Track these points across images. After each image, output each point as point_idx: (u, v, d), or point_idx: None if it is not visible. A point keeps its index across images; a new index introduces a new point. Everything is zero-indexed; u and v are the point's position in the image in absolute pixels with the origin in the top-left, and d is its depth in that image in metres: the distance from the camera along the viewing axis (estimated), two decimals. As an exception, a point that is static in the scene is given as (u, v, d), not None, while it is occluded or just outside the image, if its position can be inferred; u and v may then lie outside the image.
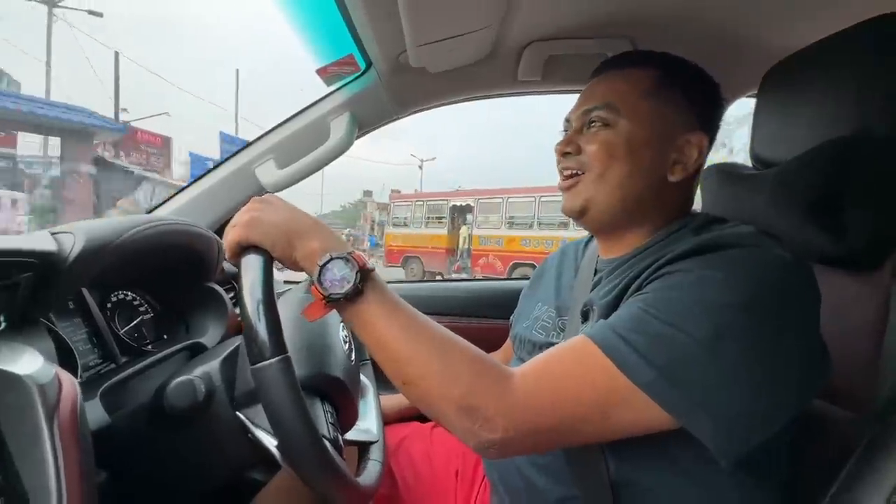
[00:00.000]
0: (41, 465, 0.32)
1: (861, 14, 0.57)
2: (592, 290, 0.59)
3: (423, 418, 0.88)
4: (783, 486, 0.52)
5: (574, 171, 0.59)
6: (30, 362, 0.34)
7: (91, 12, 11.60)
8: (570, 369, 0.45)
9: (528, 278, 0.87)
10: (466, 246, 10.57)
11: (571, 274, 0.70)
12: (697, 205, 1.01)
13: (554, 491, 0.56)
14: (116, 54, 12.33)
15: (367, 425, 0.63)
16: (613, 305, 0.51)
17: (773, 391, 0.43)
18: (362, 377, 0.72)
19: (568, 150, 0.59)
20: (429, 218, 11.58)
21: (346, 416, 0.59)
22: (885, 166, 0.54)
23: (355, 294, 0.44)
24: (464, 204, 11.09)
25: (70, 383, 0.36)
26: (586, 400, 0.43)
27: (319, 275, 0.44)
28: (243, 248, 0.46)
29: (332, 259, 0.44)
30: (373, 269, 0.46)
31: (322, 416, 0.52)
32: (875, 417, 0.50)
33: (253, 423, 0.49)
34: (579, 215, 0.60)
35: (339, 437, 0.53)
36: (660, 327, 0.43)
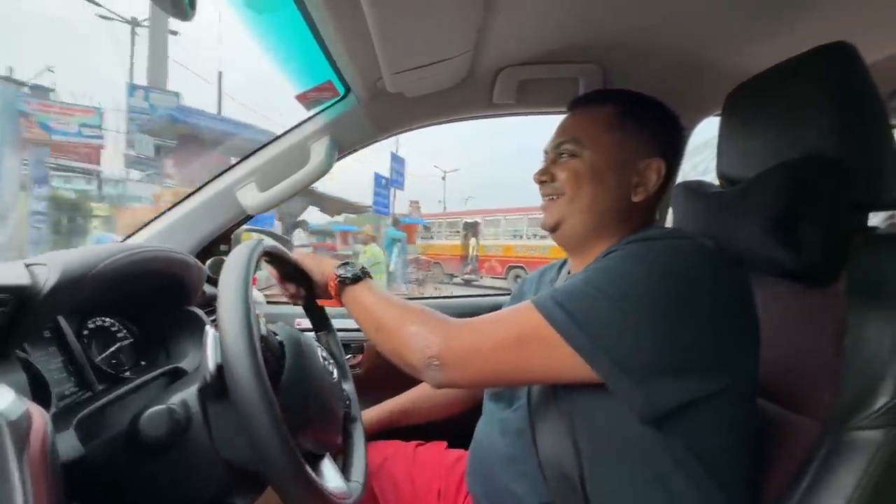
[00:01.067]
0: (8, 502, 0.32)
1: (815, 38, 0.60)
2: None
3: (404, 436, 0.88)
4: (745, 490, 0.54)
5: (551, 196, 0.69)
6: (1, 398, 0.34)
7: (172, 32, 11.85)
8: (501, 313, 0.58)
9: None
10: (475, 253, 13.28)
11: (545, 290, 0.74)
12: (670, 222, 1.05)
13: (532, 497, 0.60)
14: (220, 74, 13.24)
15: (350, 470, 0.63)
16: None
17: (671, 345, 0.49)
18: (351, 432, 0.70)
19: (544, 178, 0.69)
20: (448, 231, 14.88)
21: (295, 389, 0.54)
22: (834, 186, 0.57)
23: (355, 280, 0.67)
24: (473, 220, 14.00)
25: (40, 418, 0.36)
26: (506, 331, 0.54)
27: (337, 268, 0.69)
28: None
29: (346, 263, 0.70)
30: (370, 275, 0.69)
31: (269, 350, 0.54)
32: (836, 425, 0.52)
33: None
34: (553, 230, 0.69)
35: (279, 379, 0.52)
36: (581, 286, 0.53)
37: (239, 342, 0.43)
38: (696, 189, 0.78)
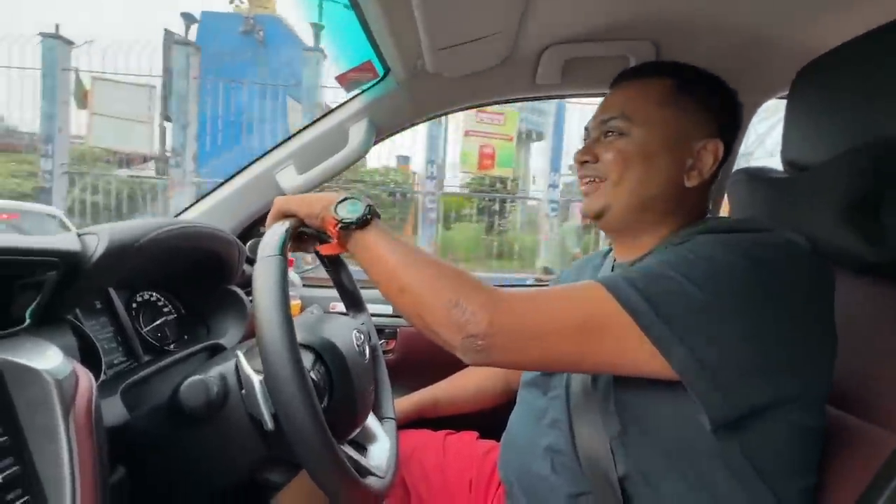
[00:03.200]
0: (56, 457, 0.32)
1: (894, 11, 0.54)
2: None
3: (435, 426, 0.87)
4: (800, 496, 0.50)
5: (592, 178, 0.62)
6: (49, 358, 0.35)
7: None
8: (564, 290, 0.50)
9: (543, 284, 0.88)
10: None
11: (585, 276, 0.72)
12: (724, 210, 0.98)
13: (567, 487, 0.57)
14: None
15: (376, 463, 0.62)
16: None
17: (754, 341, 0.44)
18: (381, 432, 0.68)
19: (586, 158, 0.62)
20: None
21: (340, 399, 0.55)
22: None
23: (363, 223, 0.52)
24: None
25: (87, 379, 0.37)
26: (571, 314, 0.47)
27: (336, 207, 0.53)
28: (277, 218, 0.56)
29: (347, 198, 0.53)
30: (378, 214, 0.54)
31: (310, 361, 0.52)
32: None
33: (251, 366, 0.49)
34: (596, 217, 0.63)
35: (325, 395, 0.52)
36: (657, 269, 0.47)
37: (295, 401, 0.41)
38: (758, 175, 0.72)
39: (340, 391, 0.54)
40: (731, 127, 0.62)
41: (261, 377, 0.46)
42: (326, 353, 0.54)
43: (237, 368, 0.54)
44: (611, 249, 0.73)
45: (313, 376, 0.49)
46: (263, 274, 0.44)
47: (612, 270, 0.66)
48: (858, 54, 0.60)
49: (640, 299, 0.45)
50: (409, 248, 0.52)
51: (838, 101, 0.62)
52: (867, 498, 0.47)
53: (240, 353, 0.50)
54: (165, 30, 7.12)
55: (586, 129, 0.66)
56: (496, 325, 0.46)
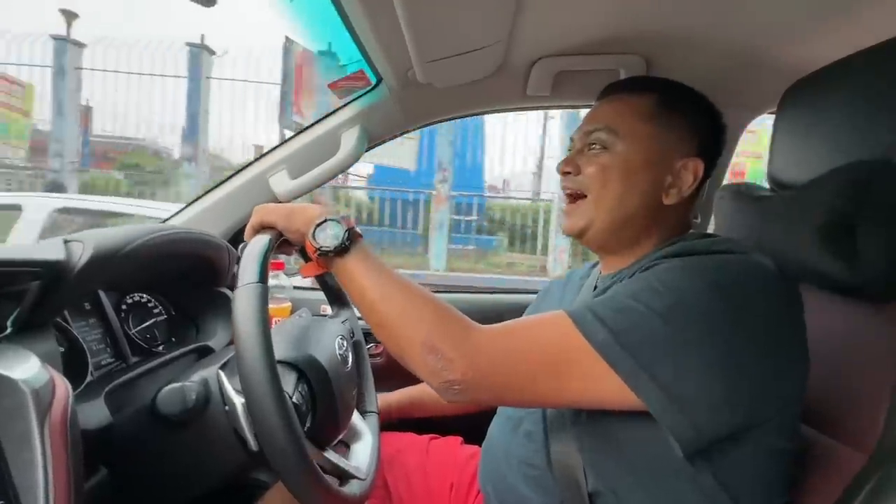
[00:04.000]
0: (31, 465, 0.34)
1: (887, 31, 0.55)
2: None
3: (419, 429, 0.88)
4: None
5: (574, 192, 0.62)
6: (27, 367, 0.36)
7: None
8: (534, 327, 0.50)
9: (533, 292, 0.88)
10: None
11: (575, 292, 0.72)
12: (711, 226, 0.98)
13: (539, 499, 0.58)
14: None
15: (357, 463, 0.62)
16: None
17: (722, 373, 0.44)
18: (364, 427, 0.70)
19: (568, 170, 0.62)
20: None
21: (324, 413, 0.57)
22: None
23: (342, 250, 0.51)
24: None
25: (63, 388, 0.38)
26: (542, 355, 0.47)
27: (314, 232, 0.51)
28: (257, 231, 0.54)
29: (326, 220, 0.52)
30: (360, 235, 0.53)
31: (292, 383, 0.52)
32: (885, 457, 0.47)
33: (232, 387, 0.50)
34: (578, 236, 0.63)
35: (307, 416, 0.53)
36: (623, 300, 0.47)
37: (275, 431, 0.42)
38: (743, 192, 0.73)
39: (324, 406, 0.56)
40: (712, 146, 0.63)
41: (243, 399, 0.46)
42: (309, 371, 0.55)
43: (219, 384, 0.55)
44: (597, 263, 0.74)
45: (295, 400, 0.50)
46: (243, 302, 0.44)
47: (597, 285, 0.67)
48: (845, 74, 0.60)
49: (606, 334, 0.45)
50: (388, 279, 0.51)
51: (823, 121, 0.62)
52: None
53: (221, 373, 0.51)
54: (286, 37, 7.30)
55: (571, 138, 0.66)
56: (471, 371, 0.46)
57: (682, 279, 0.47)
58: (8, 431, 0.34)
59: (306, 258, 0.61)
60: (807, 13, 0.69)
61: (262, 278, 0.46)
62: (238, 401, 0.48)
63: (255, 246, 0.50)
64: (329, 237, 0.51)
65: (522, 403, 0.57)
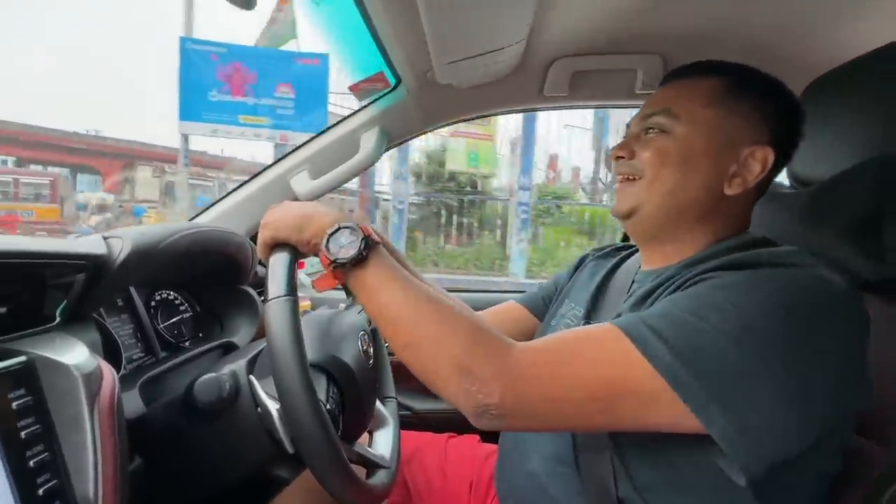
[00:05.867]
0: (81, 446, 0.35)
1: None
2: (625, 301, 0.58)
3: (437, 429, 0.89)
4: None
5: (627, 176, 0.59)
6: (77, 354, 0.38)
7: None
8: (585, 346, 0.44)
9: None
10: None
11: (606, 277, 0.69)
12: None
13: (564, 498, 0.56)
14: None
15: (381, 452, 0.64)
16: (638, 306, 0.51)
17: (796, 402, 0.40)
18: (385, 412, 0.72)
19: (621, 154, 0.59)
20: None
21: (352, 411, 0.59)
22: None
23: (360, 260, 0.46)
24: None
25: (110, 374, 0.40)
26: (596, 379, 0.42)
27: (327, 242, 0.47)
28: (272, 247, 0.51)
29: (339, 228, 0.47)
30: (378, 242, 0.48)
31: (324, 388, 0.54)
32: None
33: (264, 391, 0.51)
34: (625, 217, 0.59)
35: (339, 419, 0.54)
36: (686, 317, 0.42)
37: (314, 440, 0.44)
38: None
39: (351, 407, 0.58)
40: (786, 134, 0.57)
41: (277, 405, 0.48)
42: (337, 372, 0.57)
43: (248, 366, 0.57)
44: (627, 246, 0.71)
45: (328, 405, 0.52)
46: (276, 317, 0.44)
47: (634, 280, 0.63)
48: (866, 70, 0.60)
49: (672, 357, 0.40)
50: (414, 292, 0.46)
51: (844, 118, 0.62)
52: None
53: (253, 378, 0.53)
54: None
55: (627, 125, 0.62)
56: (511, 395, 0.42)
57: (751, 297, 0.42)
58: (60, 414, 0.36)
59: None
60: (826, 10, 0.69)
61: (291, 290, 0.46)
62: (272, 406, 0.49)
63: (278, 262, 0.49)
64: (344, 247, 0.46)
65: (565, 429, 0.52)
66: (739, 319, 0.41)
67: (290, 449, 0.49)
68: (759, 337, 0.40)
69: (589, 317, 0.64)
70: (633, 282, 0.63)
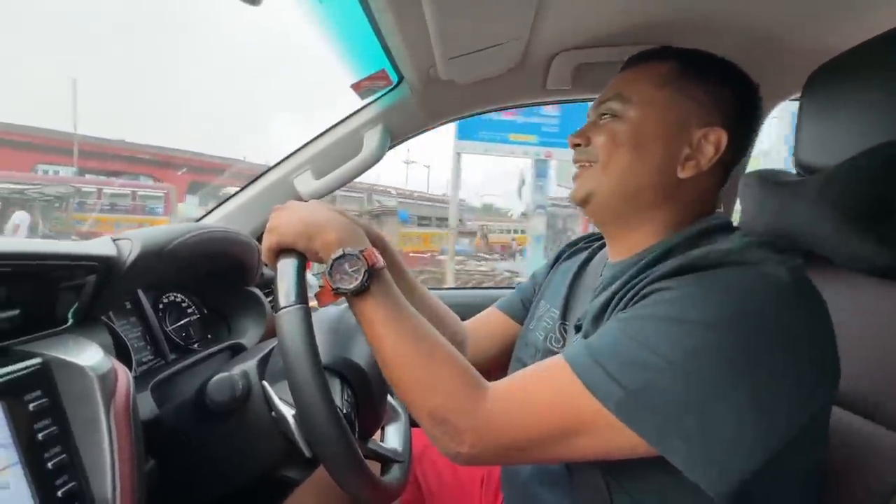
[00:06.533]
0: (98, 446, 0.35)
1: None
2: (594, 298, 0.57)
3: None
4: None
5: (583, 163, 0.59)
6: (92, 355, 0.38)
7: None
8: (542, 390, 0.46)
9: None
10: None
11: (577, 274, 0.69)
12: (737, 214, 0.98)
13: (557, 501, 0.57)
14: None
15: (394, 445, 0.64)
16: (600, 317, 0.51)
17: (757, 414, 0.40)
18: (395, 404, 0.72)
19: (578, 141, 0.60)
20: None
21: (365, 411, 0.59)
22: None
23: (361, 291, 0.47)
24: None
25: (125, 375, 0.40)
26: (555, 423, 0.44)
27: (331, 268, 0.48)
28: (277, 252, 0.50)
29: (344, 255, 0.47)
30: (382, 268, 0.49)
31: (339, 391, 0.54)
32: None
33: (277, 396, 0.51)
34: (582, 203, 0.60)
35: (354, 421, 0.55)
36: (634, 350, 0.42)
37: (333, 447, 0.44)
38: (769, 178, 0.72)
39: (366, 408, 0.58)
40: (741, 118, 0.56)
41: (293, 411, 0.48)
42: (349, 374, 0.57)
43: (258, 367, 0.57)
44: (599, 236, 0.71)
45: (344, 409, 0.52)
46: (289, 327, 0.44)
47: (603, 271, 0.63)
48: (871, 57, 0.60)
49: (622, 395, 0.41)
50: (407, 331, 0.48)
51: (851, 104, 0.62)
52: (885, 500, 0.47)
53: (267, 385, 0.52)
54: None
55: (588, 115, 0.63)
56: (480, 445, 0.45)
57: (697, 314, 0.42)
58: (77, 415, 0.35)
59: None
60: None
61: (302, 298, 0.46)
62: (288, 412, 0.49)
63: (286, 269, 0.48)
64: (347, 276, 0.47)
65: (532, 463, 0.57)
66: (687, 342, 0.41)
67: (307, 453, 0.49)
68: (708, 358, 0.40)
69: (565, 317, 0.65)
70: (600, 277, 0.63)
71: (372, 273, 0.47)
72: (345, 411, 0.52)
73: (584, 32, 0.80)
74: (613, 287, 0.52)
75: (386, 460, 0.58)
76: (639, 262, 0.53)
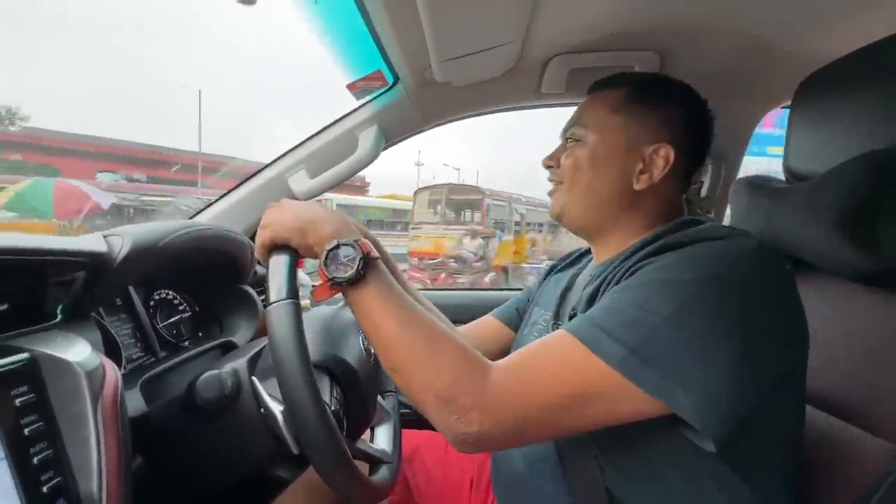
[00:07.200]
0: (85, 443, 0.35)
1: None
2: (583, 290, 0.60)
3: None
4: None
5: (555, 182, 0.67)
6: (80, 351, 0.38)
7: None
8: (547, 361, 0.46)
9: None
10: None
11: (570, 281, 0.73)
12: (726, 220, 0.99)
13: (555, 497, 0.58)
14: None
15: (382, 447, 0.64)
16: (592, 301, 0.54)
17: (747, 360, 0.43)
18: (385, 406, 0.73)
19: (550, 164, 0.67)
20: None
21: (354, 409, 0.59)
22: None
23: (357, 279, 0.47)
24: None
25: (113, 371, 0.39)
26: (562, 390, 0.44)
27: (326, 258, 0.48)
28: (271, 248, 0.51)
29: (339, 245, 0.48)
30: (377, 258, 0.49)
31: (328, 389, 0.54)
32: None
33: (267, 393, 0.51)
34: (557, 218, 0.67)
35: (343, 419, 0.54)
36: (629, 311, 0.45)
37: (320, 443, 0.44)
38: (759, 185, 0.73)
39: (355, 406, 0.58)
40: (691, 132, 0.63)
41: (281, 407, 0.48)
42: (339, 371, 0.57)
43: (248, 365, 0.57)
44: (588, 250, 0.75)
45: (333, 406, 0.52)
46: (278, 322, 0.44)
47: (591, 275, 0.66)
48: (861, 65, 0.60)
49: (625, 352, 0.43)
50: (405, 317, 0.48)
51: (840, 112, 0.63)
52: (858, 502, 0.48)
53: (256, 381, 0.53)
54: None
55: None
56: (489, 423, 0.44)
57: (683, 275, 0.45)
58: (64, 411, 0.35)
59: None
60: (822, 4, 0.70)
61: (293, 294, 0.46)
62: (276, 408, 0.49)
63: (278, 265, 0.49)
64: (342, 265, 0.47)
65: (541, 441, 0.56)
66: (676, 298, 0.44)
67: (294, 450, 0.49)
68: (698, 310, 0.43)
69: (557, 317, 0.68)
70: (591, 277, 0.66)
71: (367, 261, 0.48)
72: (333, 408, 0.52)
73: (579, 37, 0.81)
74: (601, 278, 0.57)
75: (374, 461, 0.58)
76: (620, 257, 0.57)
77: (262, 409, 0.51)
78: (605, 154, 0.62)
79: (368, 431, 0.68)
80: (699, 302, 0.44)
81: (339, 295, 0.50)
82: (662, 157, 0.60)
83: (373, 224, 11.72)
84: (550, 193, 0.68)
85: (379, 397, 0.73)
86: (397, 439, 0.67)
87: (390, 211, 13.64)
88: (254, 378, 0.53)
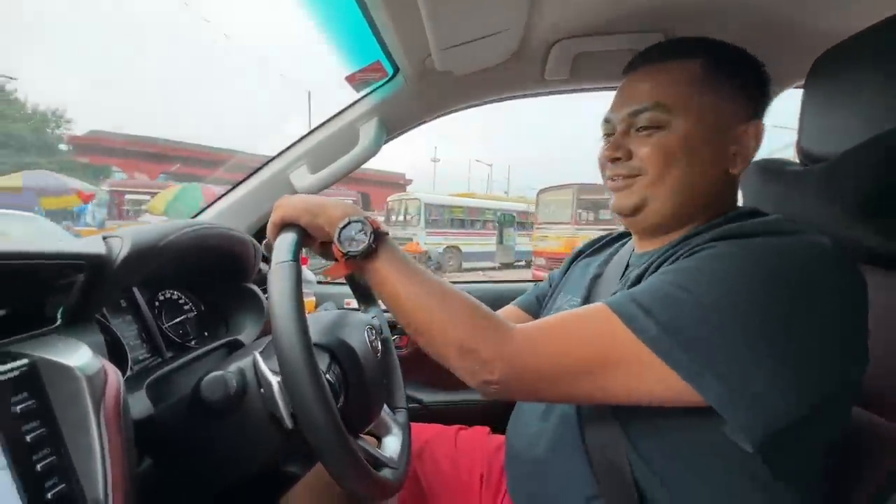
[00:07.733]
0: (89, 448, 0.35)
1: None
2: (623, 275, 0.59)
3: (447, 421, 0.88)
4: (820, 498, 0.49)
5: (625, 176, 0.58)
6: (80, 355, 0.38)
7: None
8: (577, 325, 0.47)
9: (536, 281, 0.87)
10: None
11: (601, 266, 0.70)
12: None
13: (576, 489, 0.56)
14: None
15: (389, 454, 0.63)
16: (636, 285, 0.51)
17: (790, 366, 0.41)
18: (394, 423, 0.70)
19: (618, 155, 0.57)
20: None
21: (355, 393, 0.57)
22: None
23: (369, 252, 0.50)
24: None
25: (115, 375, 0.39)
26: (589, 352, 0.45)
27: (339, 235, 0.50)
28: (280, 227, 0.53)
29: (350, 222, 0.51)
30: (386, 233, 0.52)
31: (326, 363, 0.53)
32: None
33: (268, 367, 0.50)
34: (632, 213, 0.59)
35: (340, 394, 0.53)
36: (670, 290, 0.44)
37: (311, 402, 0.43)
38: (771, 167, 0.71)
39: (355, 390, 0.56)
40: (765, 104, 0.58)
41: (278, 378, 0.47)
42: (341, 354, 0.56)
43: (255, 366, 0.56)
44: (618, 237, 0.73)
45: (329, 378, 0.51)
46: (278, 280, 0.45)
47: (629, 263, 0.64)
48: (876, 43, 0.58)
49: (658, 330, 0.42)
50: (420, 281, 0.50)
51: (855, 91, 0.60)
52: (888, 499, 0.47)
53: (257, 354, 0.52)
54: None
55: (607, 120, 0.61)
56: (509, 371, 0.46)
57: (733, 266, 0.43)
58: (66, 417, 0.35)
59: (326, 256, 0.59)
60: None
61: (295, 258, 0.47)
62: (274, 380, 0.49)
63: (284, 237, 0.50)
64: (354, 240, 0.50)
65: (559, 400, 0.56)
66: (723, 287, 0.42)
67: (289, 424, 0.48)
68: (743, 303, 0.41)
69: (586, 303, 0.64)
70: (627, 265, 0.63)
71: (377, 235, 0.50)
72: (329, 379, 0.51)
73: (583, 20, 0.79)
74: (646, 263, 0.54)
75: (378, 464, 0.57)
76: (670, 246, 0.54)
77: (262, 390, 0.51)
78: (700, 140, 0.54)
79: (376, 441, 0.67)
80: (749, 296, 0.42)
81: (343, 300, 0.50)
82: (753, 135, 0.55)
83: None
84: (618, 188, 0.59)
85: (389, 411, 0.72)
86: (407, 451, 0.66)
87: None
88: (256, 354, 0.53)
